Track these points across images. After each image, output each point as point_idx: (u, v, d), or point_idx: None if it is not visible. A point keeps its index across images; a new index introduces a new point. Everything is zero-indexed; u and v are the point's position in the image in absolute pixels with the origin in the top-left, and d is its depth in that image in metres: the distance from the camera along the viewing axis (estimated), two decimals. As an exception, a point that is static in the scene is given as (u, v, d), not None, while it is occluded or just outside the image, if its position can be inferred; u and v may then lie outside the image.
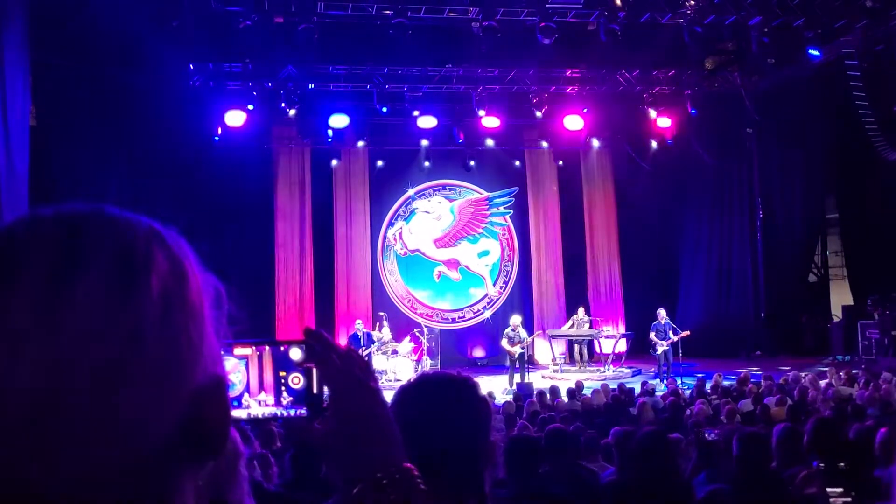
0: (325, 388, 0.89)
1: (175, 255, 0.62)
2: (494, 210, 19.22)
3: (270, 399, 0.91)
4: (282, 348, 0.91)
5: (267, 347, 0.92)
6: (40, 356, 0.54)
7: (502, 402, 10.17)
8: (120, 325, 0.56)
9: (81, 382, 0.54)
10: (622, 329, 18.31)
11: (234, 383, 0.91)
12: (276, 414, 0.91)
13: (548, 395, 10.34)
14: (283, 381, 0.90)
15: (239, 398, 0.91)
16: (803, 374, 11.23)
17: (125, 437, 0.56)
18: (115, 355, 0.56)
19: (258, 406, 0.92)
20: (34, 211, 0.60)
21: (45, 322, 0.54)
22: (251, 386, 0.91)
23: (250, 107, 15.58)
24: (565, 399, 10.22)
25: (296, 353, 0.90)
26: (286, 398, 0.91)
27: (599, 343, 16.72)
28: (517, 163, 19.11)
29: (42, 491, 0.54)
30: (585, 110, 16.77)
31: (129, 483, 0.57)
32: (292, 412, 0.90)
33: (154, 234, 0.62)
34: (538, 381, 14.49)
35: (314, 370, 0.89)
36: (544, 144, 18.74)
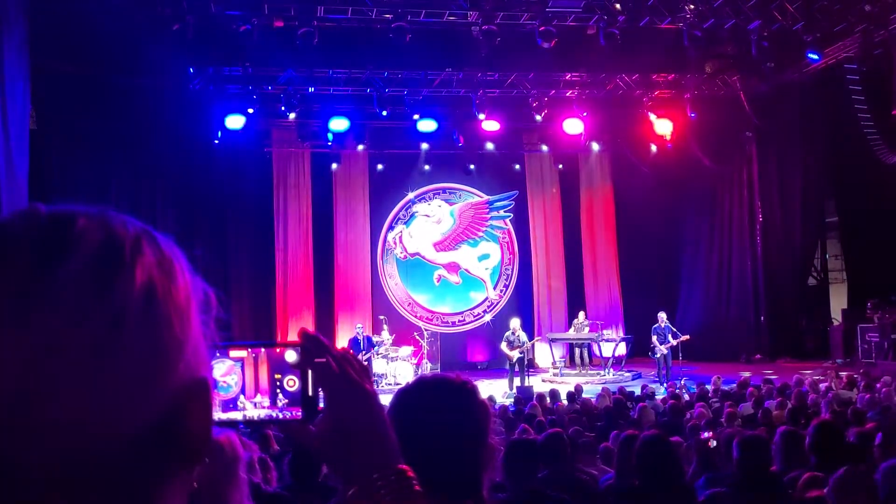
0: (321, 391, 0.88)
1: (164, 252, 0.63)
2: (494, 213, 19.22)
3: (266, 401, 0.91)
4: (277, 350, 0.91)
5: (262, 350, 0.91)
6: (19, 339, 0.54)
7: (502, 405, 10.16)
8: (100, 310, 0.57)
9: (59, 366, 0.55)
10: (622, 333, 18.30)
11: (230, 385, 0.90)
12: (271, 416, 0.91)
13: (548, 399, 10.34)
14: (278, 383, 0.90)
15: (234, 400, 0.91)
16: (803, 377, 11.22)
17: (102, 425, 0.56)
18: (94, 340, 0.56)
19: (254, 408, 0.92)
20: (32, 204, 0.61)
21: (25, 306, 0.55)
22: (247, 388, 0.91)
23: (250, 110, 15.60)
24: (565, 402, 10.21)
25: (291, 356, 0.89)
26: (282, 400, 0.90)
27: (599, 346, 16.71)
28: (517, 166, 19.13)
29: (19, 475, 0.54)
30: (585, 114, 16.79)
31: (107, 474, 0.57)
32: (288, 414, 0.90)
33: (145, 231, 0.63)
34: (538, 384, 14.48)
35: (310, 372, 0.89)
36: (544, 148, 18.75)
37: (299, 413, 0.89)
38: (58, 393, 0.54)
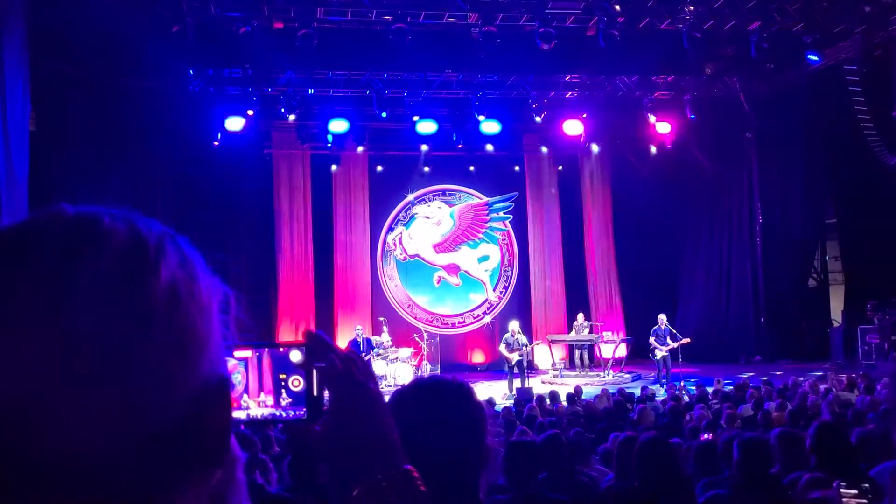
0: (326, 391, 0.89)
1: (186, 254, 0.65)
2: (494, 215, 19.22)
3: (270, 400, 0.91)
4: (281, 350, 0.91)
5: (267, 350, 0.92)
6: (48, 332, 0.55)
7: (502, 407, 10.16)
8: (126, 309, 0.58)
9: (84, 364, 0.55)
10: (622, 334, 18.29)
11: (234, 384, 0.90)
12: (275, 415, 0.92)
13: (548, 401, 10.33)
14: (283, 383, 0.91)
15: (238, 399, 0.91)
16: (802, 379, 11.22)
17: (124, 423, 0.56)
18: (121, 336, 0.57)
19: (257, 407, 0.92)
20: (58, 204, 0.63)
21: (54, 300, 0.56)
22: (250, 387, 0.91)
23: (250, 112, 15.59)
24: (565, 404, 10.21)
25: (296, 356, 0.90)
26: (285, 399, 0.91)
27: (599, 348, 16.70)
28: (517, 168, 19.13)
29: (38, 471, 0.55)
30: (585, 115, 16.79)
31: (125, 473, 0.57)
32: (291, 413, 0.90)
33: (168, 234, 0.65)
34: (538, 386, 14.47)
35: (314, 372, 0.89)
36: (544, 149, 18.75)
37: (303, 413, 0.89)
38: (81, 390, 0.55)
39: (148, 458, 0.58)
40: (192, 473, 0.62)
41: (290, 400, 0.90)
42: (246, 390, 0.92)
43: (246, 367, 0.91)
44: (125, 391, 0.56)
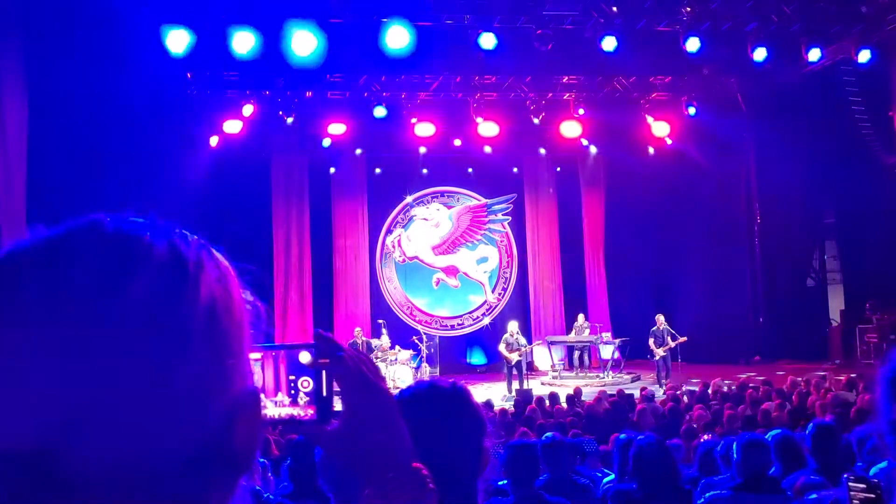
0: (336, 391, 0.89)
1: (223, 269, 0.66)
2: (493, 217, 19.23)
3: (287, 400, 0.92)
4: (291, 352, 0.92)
5: (280, 352, 0.92)
6: (86, 351, 0.55)
7: (501, 409, 10.16)
8: (168, 322, 0.58)
9: (127, 376, 0.56)
10: (621, 335, 18.27)
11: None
12: (292, 416, 0.92)
13: (547, 402, 10.34)
14: (293, 384, 0.92)
15: None
16: (802, 379, 11.23)
17: (161, 437, 0.57)
18: (162, 351, 0.57)
19: (274, 407, 0.93)
20: (96, 216, 0.62)
21: (94, 317, 0.56)
22: (266, 388, 0.92)
23: (249, 108, 15.54)
24: (564, 405, 10.21)
25: (305, 357, 0.91)
26: (303, 399, 0.92)
27: (599, 349, 16.70)
28: (515, 169, 19.13)
29: (79, 479, 0.55)
30: (582, 111, 16.78)
31: (158, 484, 0.57)
32: (304, 414, 0.91)
33: (205, 247, 0.66)
34: (537, 387, 14.47)
35: (324, 373, 0.90)
36: (542, 151, 18.75)
37: (313, 413, 0.90)
38: (122, 406, 0.55)
39: (183, 470, 0.58)
40: (222, 482, 0.62)
41: (308, 399, 0.91)
42: (262, 390, 0.92)
43: (262, 368, 0.92)
44: (164, 407, 0.57)
